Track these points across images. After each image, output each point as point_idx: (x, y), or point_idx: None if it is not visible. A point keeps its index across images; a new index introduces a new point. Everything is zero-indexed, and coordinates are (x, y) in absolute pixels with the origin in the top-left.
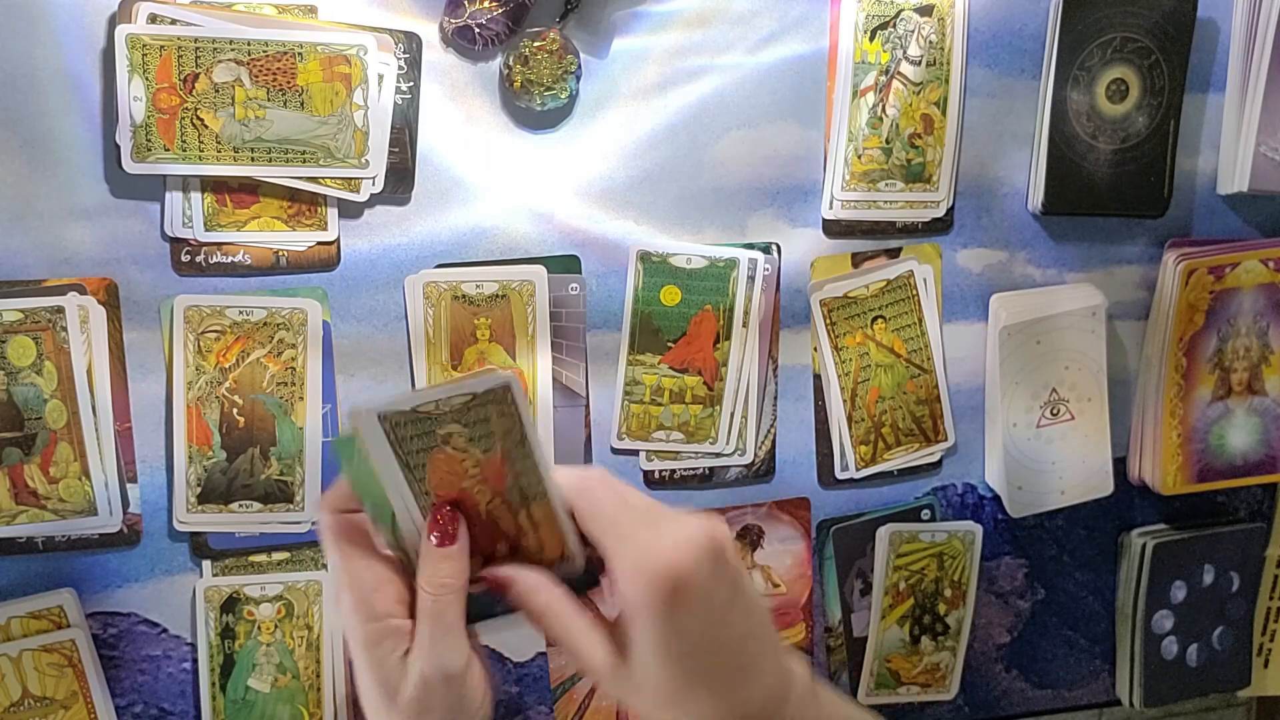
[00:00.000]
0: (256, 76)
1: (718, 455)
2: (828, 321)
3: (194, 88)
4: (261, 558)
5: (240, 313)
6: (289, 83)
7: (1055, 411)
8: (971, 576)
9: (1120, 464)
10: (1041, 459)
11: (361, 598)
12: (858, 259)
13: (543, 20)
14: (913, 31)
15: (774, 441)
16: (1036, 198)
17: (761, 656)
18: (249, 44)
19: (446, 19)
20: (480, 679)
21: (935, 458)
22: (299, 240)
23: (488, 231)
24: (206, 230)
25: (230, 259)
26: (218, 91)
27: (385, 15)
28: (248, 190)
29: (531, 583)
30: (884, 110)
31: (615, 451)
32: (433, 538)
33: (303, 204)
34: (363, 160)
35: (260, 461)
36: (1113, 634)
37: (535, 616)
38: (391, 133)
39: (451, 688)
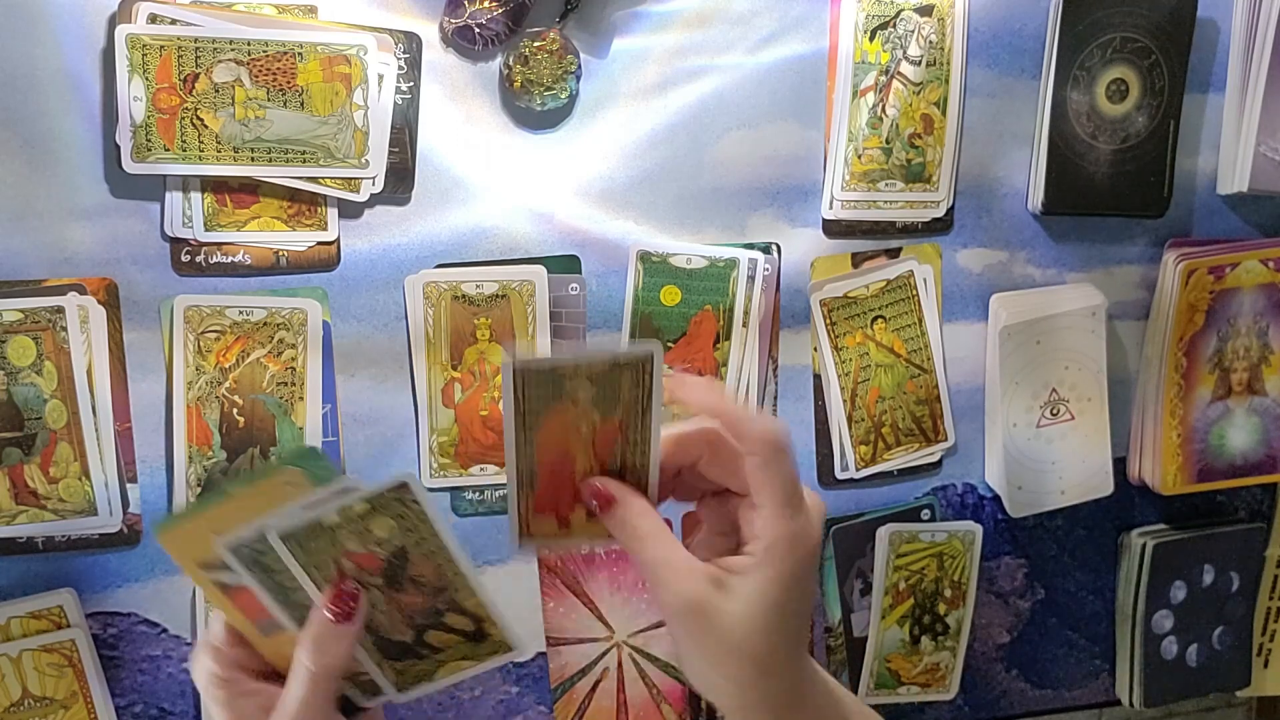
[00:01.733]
0: (256, 76)
1: None
2: (828, 321)
3: (194, 88)
4: None
5: (240, 313)
6: (289, 83)
7: (1055, 411)
8: (971, 576)
9: (1120, 464)
10: (1041, 459)
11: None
12: (858, 259)
13: (543, 20)
14: (913, 31)
15: None
16: (1036, 198)
17: (808, 634)
18: (249, 44)
19: (446, 19)
20: None
21: (935, 458)
22: (299, 240)
23: (488, 231)
24: (206, 230)
25: (230, 259)
26: (218, 91)
27: (385, 15)
28: (248, 190)
29: (638, 506)
30: (884, 110)
31: None
32: (329, 611)
33: (303, 204)
34: (363, 160)
35: (260, 462)
36: (1113, 634)
37: (635, 539)
38: (391, 133)
39: None
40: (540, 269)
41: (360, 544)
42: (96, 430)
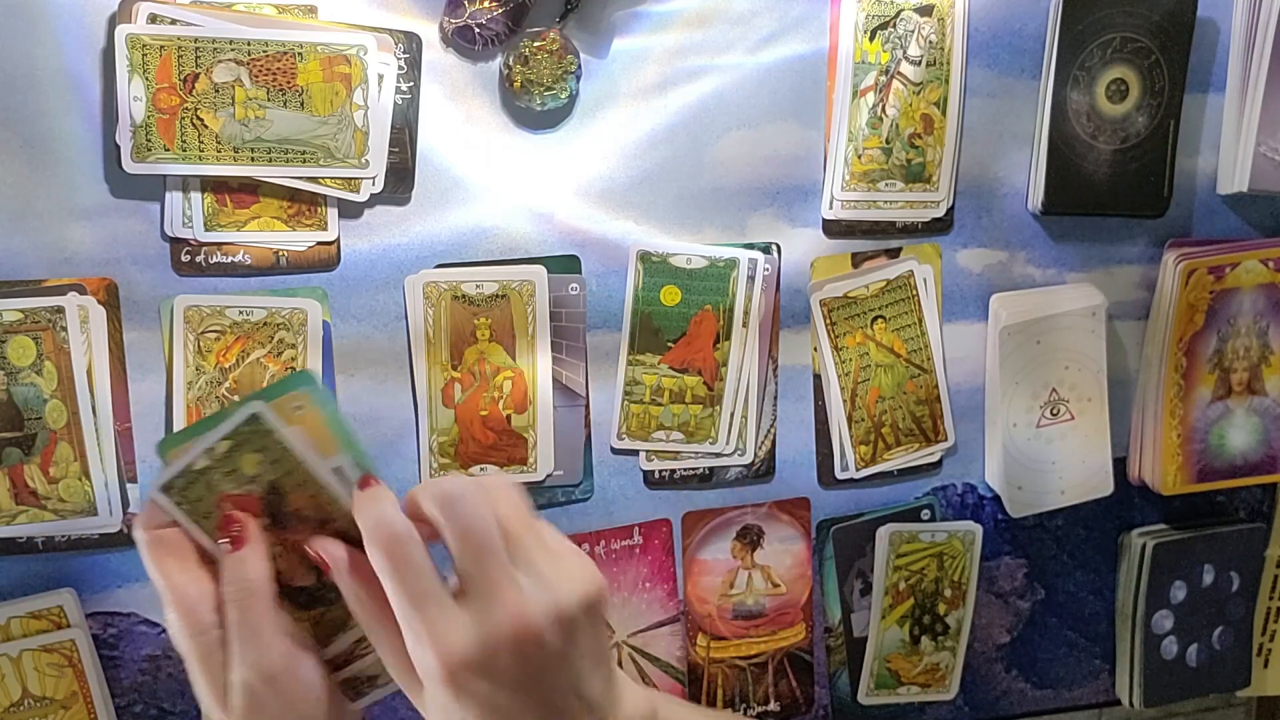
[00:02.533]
0: (256, 76)
1: (718, 455)
2: (828, 321)
3: (194, 88)
4: None
5: (240, 313)
6: (289, 83)
7: (1055, 411)
8: (971, 576)
9: (1120, 464)
10: (1041, 459)
11: (187, 611)
12: (858, 259)
13: (543, 20)
14: (913, 31)
15: (774, 441)
16: (1036, 198)
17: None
18: (249, 44)
19: (446, 19)
20: (312, 676)
21: (935, 458)
22: (299, 240)
23: (488, 231)
24: (206, 230)
25: (230, 259)
26: (218, 91)
27: (385, 15)
28: (248, 190)
29: (346, 562)
30: (884, 110)
31: (615, 451)
32: (224, 543)
33: (303, 204)
34: (363, 160)
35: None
36: (1113, 634)
37: (350, 599)
38: (391, 133)
39: (277, 689)
40: (540, 269)
41: (235, 484)
42: (96, 430)
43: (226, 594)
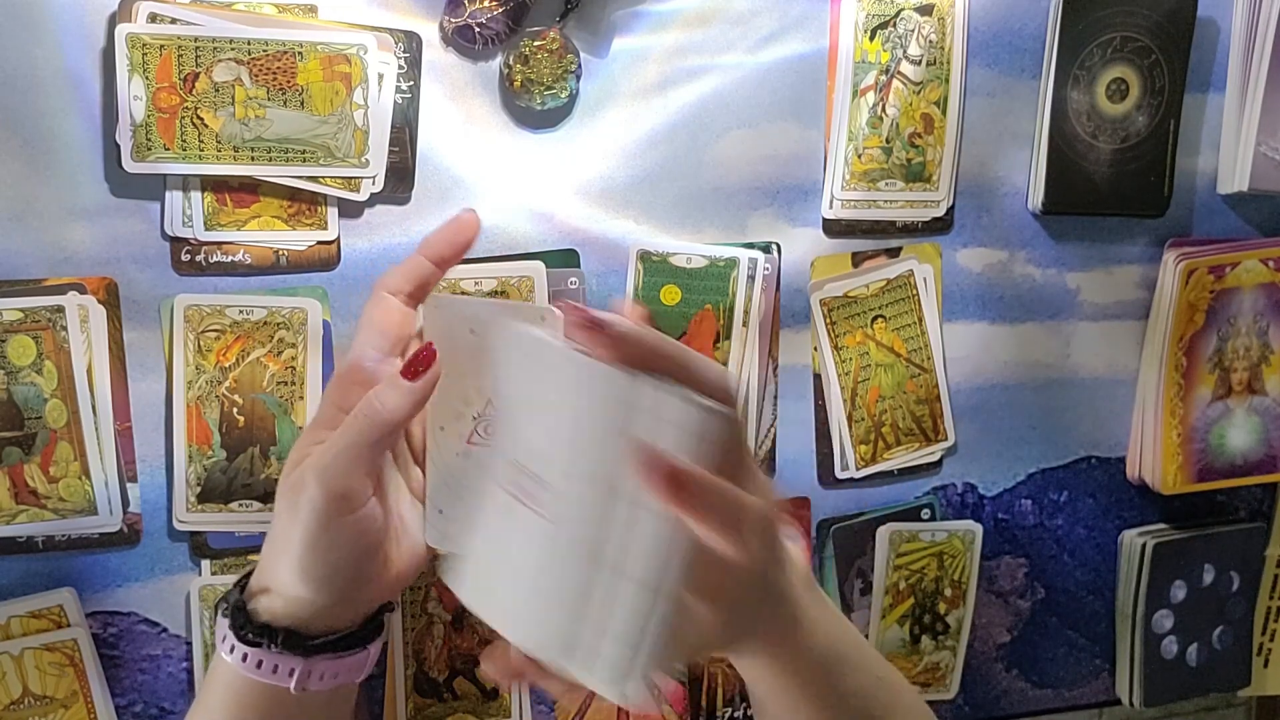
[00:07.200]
0: (256, 76)
1: None
2: (828, 321)
3: (194, 87)
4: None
5: (240, 312)
6: (289, 82)
7: None
8: (971, 576)
9: (1120, 463)
10: None
11: (370, 325)
12: (858, 258)
13: (543, 20)
14: (913, 31)
15: (774, 441)
16: (1036, 197)
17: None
18: (249, 43)
19: (446, 18)
20: (390, 533)
21: (935, 457)
22: (299, 240)
23: (488, 231)
24: (206, 230)
25: (230, 258)
26: (218, 91)
27: (385, 15)
28: (248, 190)
29: None
30: (884, 110)
31: None
32: (402, 368)
33: (303, 203)
34: (363, 160)
35: (260, 461)
36: (1113, 634)
37: None
38: (391, 132)
39: (342, 516)
40: (539, 264)
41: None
42: (96, 430)
43: (361, 404)
